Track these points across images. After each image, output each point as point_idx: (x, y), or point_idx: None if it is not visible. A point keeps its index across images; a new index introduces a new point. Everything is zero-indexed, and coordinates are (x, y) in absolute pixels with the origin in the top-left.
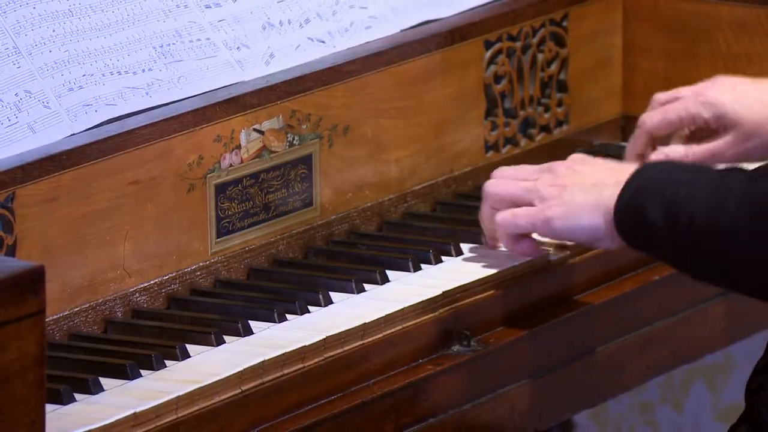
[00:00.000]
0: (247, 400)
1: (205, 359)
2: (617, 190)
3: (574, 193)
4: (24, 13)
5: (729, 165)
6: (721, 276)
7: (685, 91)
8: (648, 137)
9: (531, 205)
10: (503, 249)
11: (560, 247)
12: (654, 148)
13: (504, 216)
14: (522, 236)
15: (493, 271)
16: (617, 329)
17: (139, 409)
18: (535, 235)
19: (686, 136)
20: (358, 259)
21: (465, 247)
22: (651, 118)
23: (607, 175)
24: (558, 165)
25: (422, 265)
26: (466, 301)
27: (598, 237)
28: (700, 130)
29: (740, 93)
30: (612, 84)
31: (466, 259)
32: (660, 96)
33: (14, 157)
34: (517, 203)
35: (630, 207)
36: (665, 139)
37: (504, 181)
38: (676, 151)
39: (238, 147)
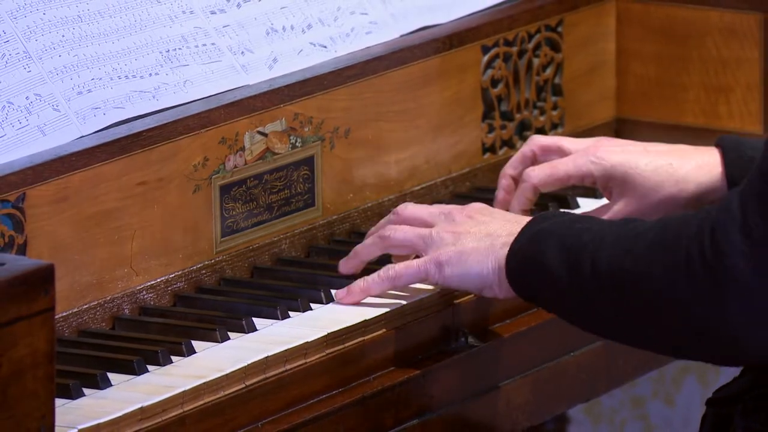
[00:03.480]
0: (250, 395)
1: (210, 355)
2: (510, 239)
3: (468, 241)
4: (34, 19)
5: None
6: (616, 324)
7: (568, 144)
8: (534, 192)
9: (426, 253)
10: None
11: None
12: (532, 203)
13: (397, 235)
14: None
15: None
16: None
17: (146, 404)
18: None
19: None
20: None
21: None
22: (538, 174)
23: (502, 226)
24: (457, 212)
25: None
26: (465, 298)
27: (487, 285)
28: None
29: (629, 154)
30: (605, 88)
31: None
32: (539, 139)
33: (25, 158)
34: (412, 249)
35: (524, 255)
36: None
37: (401, 227)
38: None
39: (242, 149)
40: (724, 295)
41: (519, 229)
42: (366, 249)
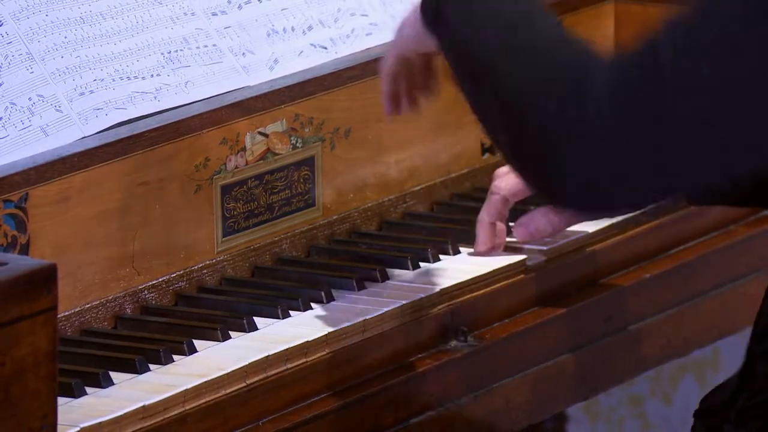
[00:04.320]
0: (251, 394)
1: (212, 354)
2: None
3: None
4: (37, 20)
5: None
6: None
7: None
8: (504, 204)
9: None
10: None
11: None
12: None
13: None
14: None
15: (489, 269)
16: (608, 326)
17: (147, 402)
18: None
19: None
20: (358, 257)
21: (462, 246)
22: (506, 185)
23: None
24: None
25: (421, 264)
26: (463, 298)
27: (409, 23)
28: None
29: None
30: None
31: (463, 258)
32: (503, 169)
33: (27, 159)
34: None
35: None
36: None
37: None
38: (539, 222)
39: (243, 149)
40: (574, 134)
41: None
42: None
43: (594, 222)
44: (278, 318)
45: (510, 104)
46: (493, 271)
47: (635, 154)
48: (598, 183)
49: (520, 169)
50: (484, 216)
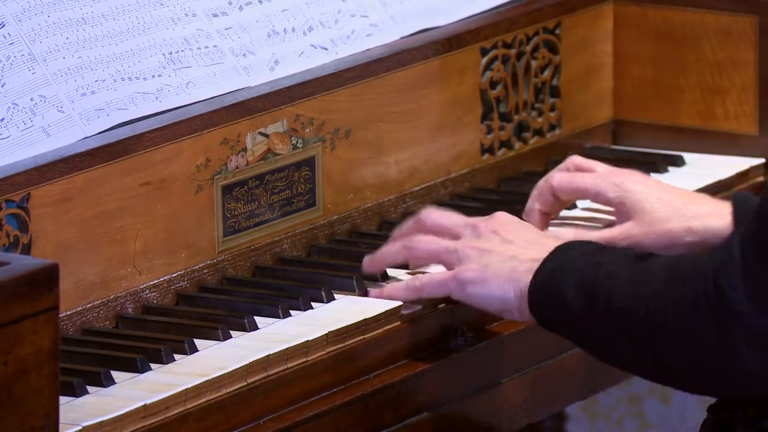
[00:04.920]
0: (252, 393)
1: (213, 353)
2: (533, 267)
3: (491, 261)
4: (39, 21)
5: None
6: (630, 359)
7: (601, 167)
8: (551, 194)
9: (450, 266)
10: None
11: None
12: (555, 211)
13: (423, 245)
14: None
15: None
16: None
17: (149, 401)
18: None
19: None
20: (359, 257)
21: None
22: (560, 178)
23: (526, 248)
24: (483, 226)
25: None
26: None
27: (507, 309)
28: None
29: (648, 186)
30: (603, 89)
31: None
32: (576, 159)
33: (29, 159)
34: (436, 261)
35: (546, 288)
36: None
37: (427, 238)
38: (566, 234)
39: (244, 150)
40: (730, 335)
41: (542, 256)
42: (391, 256)
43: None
44: (279, 317)
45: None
46: None
47: None
48: None
49: (710, 388)
50: (533, 202)
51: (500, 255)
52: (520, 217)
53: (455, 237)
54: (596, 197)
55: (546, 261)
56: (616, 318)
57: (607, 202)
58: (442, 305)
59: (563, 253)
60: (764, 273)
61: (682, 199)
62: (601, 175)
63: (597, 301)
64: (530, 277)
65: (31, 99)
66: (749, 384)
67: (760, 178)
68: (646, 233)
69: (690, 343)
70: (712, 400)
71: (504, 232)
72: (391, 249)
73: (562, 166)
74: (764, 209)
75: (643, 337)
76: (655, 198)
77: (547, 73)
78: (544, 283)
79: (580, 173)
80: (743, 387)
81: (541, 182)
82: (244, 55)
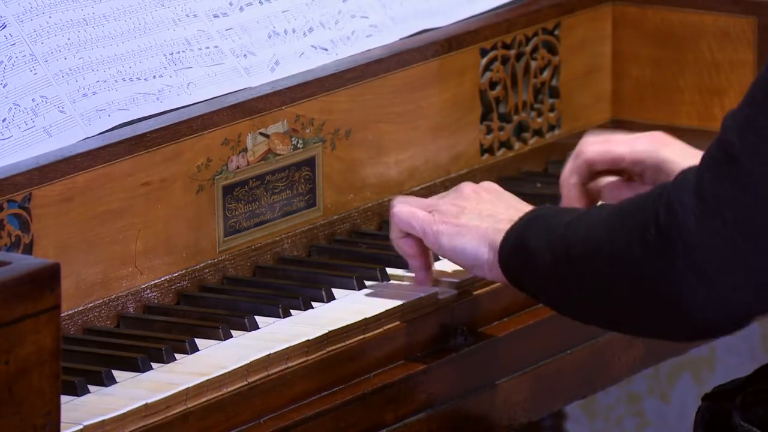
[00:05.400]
0: (253, 392)
1: (214, 353)
2: (507, 226)
3: (469, 217)
4: (40, 22)
5: None
6: (585, 304)
7: (620, 137)
8: (587, 165)
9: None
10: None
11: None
12: (590, 182)
13: (401, 209)
14: (420, 255)
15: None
16: None
17: (150, 400)
18: (438, 265)
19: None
20: (359, 257)
21: None
22: (594, 149)
23: (506, 210)
24: (466, 186)
25: None
26: (463, 297)
27: (477, 265)
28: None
29: (686, 156)
30: (602, 90)
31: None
32: (591, 137)
33: (31, 159)
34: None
35: (514, 241)
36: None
37: (408, 198)
38: (615, 183)
39: (245, 150)
40: (673, 254)
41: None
42: (401, 247)
43: None
44: (279, 317)
45: (621, 274)
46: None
47: (740, 251)
48: (725, 295)
49: (652, 323)
50: (566, 174)
51: (478, 212)
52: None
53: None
54: (632, 164)
55: (520, 218)
56: (570, 262)
57: (643, 169)
58: (444, 304)
59: (535, 212)
60: (717, 192)
61: None
62: (636, 140)
63: (557, 249)
64: (502, 234)
65: (33, 99)
66: (684, 310)
67: None
68: None
69: (637, 273)
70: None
71: (486, 193)
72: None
73: (581, 144)
74: (727, 135)
75: (595, 276)
76: (690, 159)
77: (546, 74)
78: (514, 236)
79: (614, 142)
80: (681, 316)
81: (574, 155)
82: (244, 55)
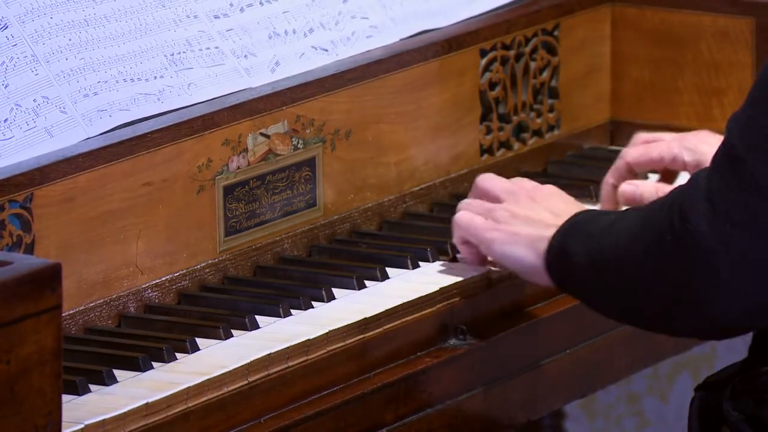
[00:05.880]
0: (253, 391)
1: (214, 352)
2: (553, 233)
3: (519, 224)
4: (42, 23)
5: None
6: (618, 306)
7: (668, 136)
8: (627, 169)
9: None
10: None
11: None
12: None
13: (462, 217)
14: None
15: (487, 268)
16: (607, 323)
17: (151, 400)
18: None
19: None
20: (359, 257)
21: None
22: (634, 152)
23: (554, 217)
24: (523, 190)
25: (420, 263)
26: (462, 297)
27: (527, 271)
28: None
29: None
30: (601, 90)
31: (462, 257)
32: (642, 135)
33: (32, 159)
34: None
35: (557, 245)
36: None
37: (471, 202)
38: (647, 184)
39: (245, 150)
40: (688, 259)
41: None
42: (455, 239)
43: None
44: (280, 316)
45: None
46: (492, 270)
47: (752, 251)
48: (743, 295)
49: (680, 326)
50: (607, 180)
51: (528, 219)
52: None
53: (499, 201)
54: (672, 163)
55: (564, 223)
56: (601, 268)
57: (683, 167)
58: (443, 304)
59: (576, 218)
60: (725, 194)
61: None
62: (671, 142)
63: (594, 256)
64: (548, 241)
65: (34, 100)
66: (705, 312)
67: None
68: None
69: (657, 277)
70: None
71: (540, 199)
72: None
73: (632, 143)
74: (730, 137)
75: (622, 281)
76: None
77: (545, 75)
78: (557, 245)
79: (652, 144)
80: (702, 317)
81: (617, 161)
82: (245, 56)
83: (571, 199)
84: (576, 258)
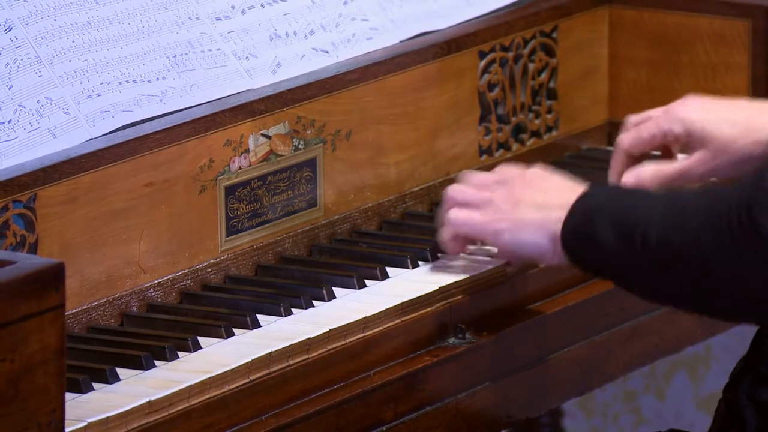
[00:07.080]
0: (254, 389)
1: (216, 351)
2: (563, 214)
3: (525, 210)
4: (45, 25)
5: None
6: (679, 295)
7: (655, 112)
8: (626, 156)
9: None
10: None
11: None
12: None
13: (458, 216)
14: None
15: (487, 268)
16: (604, 322)
17: (153, 398)
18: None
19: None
20: (359, 256)
21: None
22: (626, 138)
23: (558, 195)
24: (515, 177)
25: (420, 262)
26: (461, 296)
27: (542, 254)
28: (668, 152)
29: (709, 111)
30: (598, 92)
31: (462, 256)
32: (633, 117)
33: (36, 160)
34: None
35: (577, 232)
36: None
37: (465, 188)
38: (646, 170)
39: (247, 151)
40: (761, 258)
41: (570, 201)
42: (449, 241)
43: None
44: (281, 315)
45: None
46: (492, 270)
47: None
48: None
49: (745, 315)
50: (612, 171)
51: (533, 203)
52: None
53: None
54: (665, 139)
55: (575, 205)
56: (654, 256)
57: (676, 139)
58: (443, 303)
59: (591, 197)
60: None
61: (744, 113)
62: (659, 119)
63: (633, 242)
64: (561, 223)
65: (38, 101)
66: None
67: None
68: (718, 157)
69: (728, 271)
70: (710, 398)
71: (534, 182)
72: (444, 237)
73: (623, 128)
74: None
75: (683, 271)
76: (719, 120)
77: (544, 76)
78: (576, 227)
79: (642, 126)
80: None
81: (614, 153)
82: (246, 58)
83: (557, 175)
84: (606, 243)
